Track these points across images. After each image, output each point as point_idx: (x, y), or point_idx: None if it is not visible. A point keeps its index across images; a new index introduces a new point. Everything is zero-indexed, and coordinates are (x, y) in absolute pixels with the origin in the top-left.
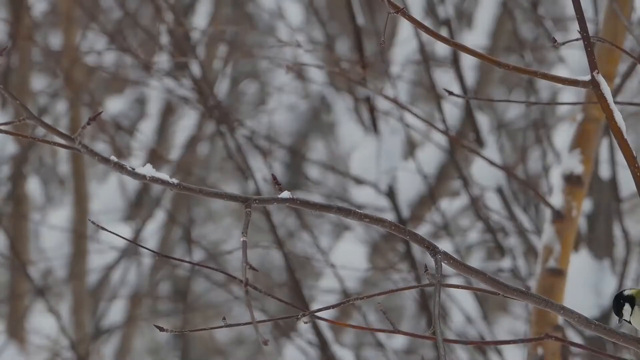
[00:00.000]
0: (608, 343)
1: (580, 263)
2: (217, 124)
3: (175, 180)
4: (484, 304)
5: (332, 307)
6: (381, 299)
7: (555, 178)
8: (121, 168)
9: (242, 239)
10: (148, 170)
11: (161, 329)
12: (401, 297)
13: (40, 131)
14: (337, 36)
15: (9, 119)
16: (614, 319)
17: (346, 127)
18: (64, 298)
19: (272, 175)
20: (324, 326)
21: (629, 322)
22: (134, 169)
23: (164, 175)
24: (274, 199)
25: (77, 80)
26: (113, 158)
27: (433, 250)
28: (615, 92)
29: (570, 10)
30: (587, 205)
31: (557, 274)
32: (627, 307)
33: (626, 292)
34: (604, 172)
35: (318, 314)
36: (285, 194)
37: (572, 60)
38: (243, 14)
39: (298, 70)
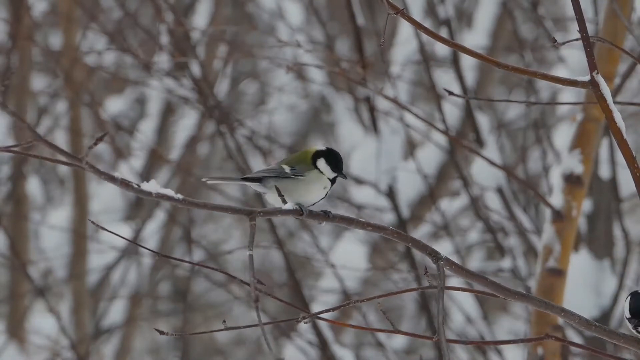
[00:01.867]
0: (608, 343)
1: (580, 263)
2: (217, 124)
3: (180, 196)
4: (484, 304)
5: (333, 309)
6: (381, 299)
7: (555, 178)
8: (127, 186)
9: (248, 253)
10: (153, 186)
11: (161, 333)
12: (401, 297)
13: (45, 124)
14: (337, 36)
15: (9, 122)
16: (614, 319)
17: (346, 127)
18: (64, 298)
19: (275, 186)
20: (324, 326)
21: None
22: (139, 186)
23: (169, 190)
24: (278, 210)
25: (77, 80)
26: (118, 175)
27: (435, 256)
28: (615, 92)
29: (570, 10)
30: (587, 205)
31: (557, 274)
32: None
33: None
34: (604, 172)
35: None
36: (289, 205)
37: (572, 60)
38: (243, 14)
39: (298, 70)
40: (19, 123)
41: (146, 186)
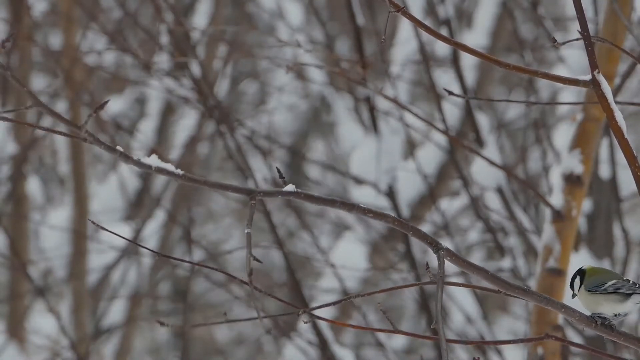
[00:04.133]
0: (608, 342)
1: (580, 263)
2: (217, 124)
3: (180, 171)
4: (484, 303)
5: (333, 304)
6: (381, 298)
7: (555, 178)
8: (127, 158)
9: (246, 231)
10: (153, 160)
11: (162, 324)
12: (401, 297)
13: (44, 124)
14: (337, 36)
15: (11, 114)
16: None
17: (346, 127)
18: (64, 298)
19: (277, 168)
20: (324, 326)
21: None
22: (139, 159)
23: (169, 165)
24: (279, 191)
25: (77, 80)
26: (119, 148)
27: (435, 246)
28: (615, 92)
29: (570, 10)
30: (587, 205)
31: (557, 274)
32: (577, 281)
33: (584, 267)
34: (604, 172)
35: (318, 314)
36: (290, 187)
37: (572, 60)
38: (243, 14)
39: (298, 70)
40: (26, 91)
41: (146, 160)
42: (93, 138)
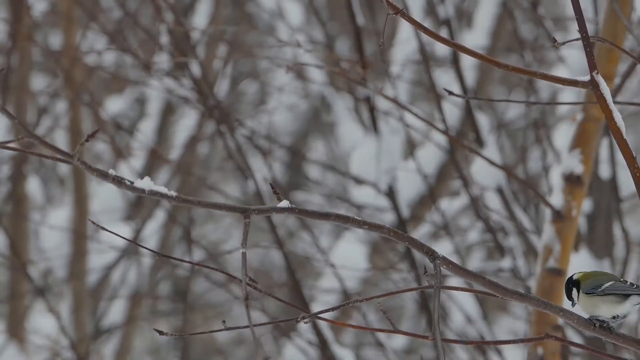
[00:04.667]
0: (608, 343)
1: (580, 263)
2: (217, 124)
3: (173, 193)
4: (483, 304)
5: (333, 309)
6: (381, 298)
7: (555, 178)
8: (120, 183)
9: (241, 251)
10: (146, 183)
11: (161, 333)
12: (401, 297)
13: (43, 125)
14: (337, 36)
15: (8, 123)
16: None
17: (346, 127)
18: (64, 298)
19: (271, 184)
20: (324, 326)
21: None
22: (132, 183)
23: (162, 188)
24: (273, 208)
25: (77, 80)
26: (112, 172)
27: (432, 255)
28: (615, 92)
29: (570, 10)
30: (587, 205)
31: (557, 274)
32: (574, 292)
33: (574, 277)
34: (604, 172)
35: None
36: (284, 204)
37: (572, 60)
38: (243, 14)
39: (298, 70)
40: (18, 123)
41: (139, 183)
42: (85, 165)
